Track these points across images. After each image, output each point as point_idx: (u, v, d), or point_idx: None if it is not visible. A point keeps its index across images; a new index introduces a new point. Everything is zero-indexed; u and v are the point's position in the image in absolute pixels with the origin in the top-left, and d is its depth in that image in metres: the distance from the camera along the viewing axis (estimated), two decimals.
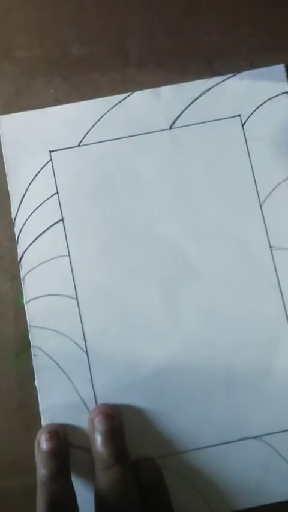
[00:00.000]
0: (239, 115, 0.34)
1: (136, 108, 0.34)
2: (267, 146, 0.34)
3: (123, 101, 0.34)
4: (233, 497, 0.31)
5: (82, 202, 0.34)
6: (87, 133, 0.34)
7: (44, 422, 0.31)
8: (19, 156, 0.34)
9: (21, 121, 0.34)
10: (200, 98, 0.34)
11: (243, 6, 0.35)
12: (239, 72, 0.34)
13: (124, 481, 0.29)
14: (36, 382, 0.32)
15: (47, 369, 0.32)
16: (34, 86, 0.35)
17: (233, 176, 0.34)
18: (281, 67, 0.34)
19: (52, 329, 0.32)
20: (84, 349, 0.32)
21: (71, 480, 0.30)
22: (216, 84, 0.34)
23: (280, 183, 0.33)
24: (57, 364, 0.32)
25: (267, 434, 0.31)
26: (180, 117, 0.34)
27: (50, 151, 0.34)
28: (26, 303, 0.33)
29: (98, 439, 0.30)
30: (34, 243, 0.33)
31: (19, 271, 0.33)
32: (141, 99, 0.34)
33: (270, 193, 0.33)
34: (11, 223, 0.33)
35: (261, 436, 0.31)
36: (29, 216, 0.33)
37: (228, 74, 0.34)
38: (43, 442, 0.30)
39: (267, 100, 0.34)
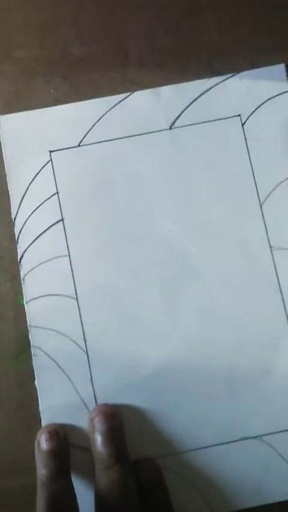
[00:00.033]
0: (239, 115, 0.34)
1: (136, 108, 0.34)
2: (267, 146, 0.34)
3: (123, 101, 0.34)
4: (233, 497, 0.31)
5: (82, 202, 0.34)
6: (87, 134, 0.34)
7: (44, 422, 0.31)
8: (19, 156, 0.34)
9: (21, 121, 0.34)
10: (200, 98, 0.34)
11: (243, 6, 0.35)
12: (239, 72, 0.34)
13: (124, 481, 0.28)
14: (36, 382, 0.32)
15: (47, 369, 0.32)
16: (34, 86, 0.35)
17: (233, 176, 0.34)
18: (281, 67, 0.34)
19: (52, 329, 0.32)
20: (84, 349, 0.32)
21: (71, 480, 0.30)
22: (216, 84, 0.34)
23: (280, 183, 0.33)
24: (57, 364, 0.32)
25: (267, 434, 0.31)
26: (180, 117, 0.34)
27: (50, 151, 0.34)
28: (26, 303, 0.33)
29: (98, 439, 0.30)
30: (34, 243, 0.33)
31: (19, 271, 0.33)
32: (141, 99, 0.34)
33: (270, 193, 0.33)
34: (11, 223, 0.33)
35: (261, 436, 0.31)
36: (29, 216, 0.33)
37: (228, 74, 0.34)
38: (43, 442, 0.30)
39: (268, 100, 0.34)
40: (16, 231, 0.33)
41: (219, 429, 0.31)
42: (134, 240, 0.33)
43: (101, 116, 0.34)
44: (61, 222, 0.33)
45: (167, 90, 0.34)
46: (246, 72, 0.34)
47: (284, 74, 0.34)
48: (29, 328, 0.32)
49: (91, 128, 0.34)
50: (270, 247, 0.33)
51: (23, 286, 0.33)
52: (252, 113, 0.34)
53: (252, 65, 0.35)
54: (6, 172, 0.34)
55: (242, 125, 0.34)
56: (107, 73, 0.35)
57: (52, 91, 0.35)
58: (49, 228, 0.33)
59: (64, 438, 0.30)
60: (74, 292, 0.33)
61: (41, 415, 0.31)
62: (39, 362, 0.32)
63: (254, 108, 0.34)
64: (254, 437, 0.31)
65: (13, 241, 0.33)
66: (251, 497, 0.31)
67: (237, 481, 0.31)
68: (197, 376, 0.32)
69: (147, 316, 0.32)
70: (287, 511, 0.31)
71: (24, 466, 0.32)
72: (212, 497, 0.31)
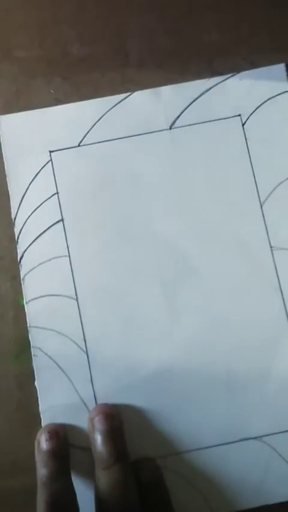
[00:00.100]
0: (239, 115, 0.34)
1: (136, 108, 0.34)
2: (267, 146, 0.34)
3: (123, 101, 0.34)
4: (234, 498, 0.31)
5: (82, 202, 0.33)
6: (87, 134, 0.34)
7: (44, 423, 0.31)
8: (19, 156, 0.34)
9: (21, 121, 0.34)
10: (200, 98, 0.34)
11: (243, 6, 0.35)
12: (239, 72, 0.34)
13: (124, 481, 0.28)
14: (36, 383, 0.32)
15: (47, 369, 0.32)
16: (34, 86, 0.35)
17: (233, 176, 0.34)
18: (281, 66, 0.34)
19: (52, 329, 0.32)
20: (84, 350, 0.32)
21: (71, 480, 0.30)
22: (216, 84, 0.34)
23: (281, 182, 0.33)
24: (57, 364, 0.32)
25: (268, 435, 0.31)
26: (180, 117, 0.34)
27: (50, 152, 0.34)
28: (26, 303, 0.33)
29: (98, 439, 0.30)
30: (34, 243, 0.33)
31: (19, 271, 0.33)
32: (141, 99, 0.34)
33: (270, 193, 0.33)
34: (11, 223, 0.33)
35: (261, 436, 0.31)
36: (29, 216, 0.33)
37: (228, 73, 0.34)
38: (43, 442, 0.30)
39: (268, 100, 0.34)
40: (16, 231, 0.33)
41: (219, 430, 0.31)
42: (134, 240, 0.33)
43: (101, 116, 0.34)
44: (61, 222, 0.33)
45: (167, 90, 0.34)
46: (246, 72, 0.34)
47: (284, 73, 0.34)
48: (29, 328, 0.32)
49: (91, 128, 0.34)
50: (271, 247, 0.33)
51: (23, 286, 0.33)
52: (252, 113, 0.34)
53: (252, 64, 0.35)
54: (6, 172, 0.34)
55: (243, 124, 0.34)
56: (107, 73, 0.35)
57: (52, 91, 0.35)
58: (49, 228, 0.33)
59: (64, 438, 0.30)
60: (74, 293, 0.33)
61: (41, 415, 0.31)
62: (39, 362, 0.32)
63: (254, 108, 0.34)
64: (254, 438, 0.31)
65: (13, 241, 0.33)
66: (252, 498, 0.31)
67: (238, 482, 0.31)
68: (197, 376, 0.32)
69: (147, 317, 0.32)
70: None
71: (24, 466, 0.31)
72: (212, 497, 0.31)
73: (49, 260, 0.33)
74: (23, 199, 0.33)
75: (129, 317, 0.32)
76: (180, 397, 0.32)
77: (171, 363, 0.32)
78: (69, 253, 0.33)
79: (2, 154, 0.34)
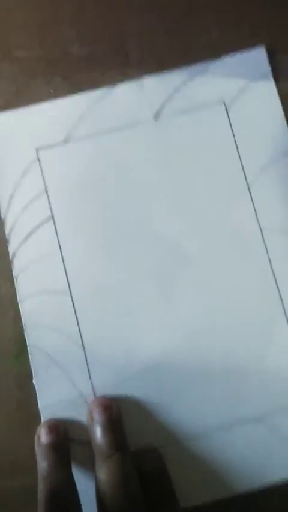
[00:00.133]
0: (223, 100, 0.34)
1: (120, 101, 0.34)
2: (252, 130, 0.34)
3: (107, 95, 0.34)
4: (236, 480, 0.31)
5: (72, 198, 0.33)
6: (72, 129, 0.34)
7: (43, 420, 0.31)
8: (5, 156, 0.34)
9: (6, 120, 0.34)
10: (183, 87, 0.34)
11: (243, 6, 0.35)
12: (220, 57, 0.34)
13: (124, 471, 0.28)
14: (34, 380, 0.32)
15: (45, 367, 0.32)
16: (34, 85, 0.35)
17: (220, 162, 0.34)
18: (261, 49, 0.34)
19: (48, 327, 0.32)
20: (81, 345, 0.32)
21: (71, 472, 0.30)
22: (198, 72, 0.34)
23: (267, 165, 0.33)
24: (54, 361, 0.32)
25: (267, 416, 0.31)
26: (164, 107, 0.34)
27: (37, 149, 0.34)
28: (20, 302, 0.33)
29: (97, 431, 0.30)
30: (25, 242, 0.33)
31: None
32: (124, 92, 0.34)
33: (258, 176, 0.33)
34: None
35: (260, 418, 0.31)
36: (18, 216, 0.33)
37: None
38: (43, 436, 0.30)
39: (251, 83, 0.34)
40: (7, 230, 0.33)
41: (218, 415, 0.32)
42: (125, 233, 0.33)
43: (84, 111, 0.34)
44: (51, 219, 0.33)
45: (149, 81, 0.34)
46: (228, 57, 0.34)
47: (265, 56, 0.34)
48: (24, 326, 0.32)
49: (76, 124, 0.34)
50: (261, 229, 0.33)
51: (16, 285, 0.33)
52: (235, 98, 0.34)
53: None
54: None
55: (227, 110, 0.34)
56: (107, 73, 0.35)
57: (52, 91, 0.35)
58: (40, 226, 0.33)
59: (64, 432, 0.31)
60: (68, 289, 0.33)
61: (41, 412, 0.31)
62: (36, 360, 0.32)
63: (237, 93, 0.34)
64: (254, 420, 0.31)
65: None
66: (254, 479, 0.31)
67: (239, 465, 0.31)
68: (195, 364, 0.32)
69: (143, 308, 0.32)
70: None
71: (24, 466, 0.31)
72: (214, 482, 0.31)
73: (41, 258, 0.33)
74: (12, 199, 0.33)
75: (125, 310, 0.32)
76: (178, 385, 0.32)
77: (169, 352, 0.32)
78: (61, 250, 0.33)
79: None
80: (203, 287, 0.33)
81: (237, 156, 0.34)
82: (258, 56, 0.34)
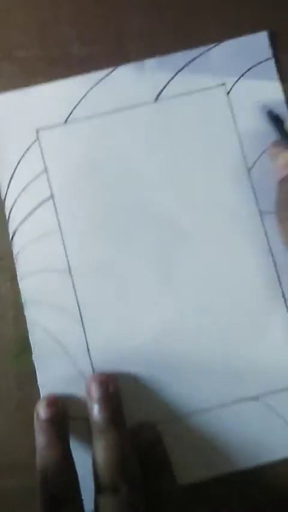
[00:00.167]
0: (224, 84, 0.34)
1: (121, 83, 0.34)
2: (252, 113, 0.34)
3: (108, 76, 0.34)
4: (234, 457, 0.31)
5: (71, 178, 0.34)
6: (73, 110, 0.34)
7: (42, 396, 0.32)
8: (6, 137, 0.34)
9: (6, 101, 0.34)
10: (184, 69, 0.34)
11: (243, 6, 0.35)
12: (222, 41, 0.34)
13: (121, 445, 0.29)
14: (33, 357, 0.32)
15: (44, 344, 0.32)
16: (34, 85, 0.35)
17: (220, 144, 0.34)
18: (264, 34, 0.35)
19: (47, 304, 0.32)
20: (81, 322, 0.32)
21: (69, 446, 0.30)
22: (200, 55, 0.34)
23: (266, 148, 0.34)
24: (54, 338, 0.32)
25: (264, 394, 0.32)
26: (165, 89, 0.34)
27: (37, 130, 0.34)
28: (20, 279, 0.33)
29: (94, 407, 0.30)
30: (25, 221, 0.33)
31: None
32: (125, 73, 0.34)
33: (257, 159, 0.34)
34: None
35: (258, 396, 0.32)
36: (18, 195, 0.33)
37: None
38: (41, 411, 0.30)
39: (252, 67, 0.34)
40: (6, 210, 0.33)
41: (216, 392, 0.32)
42: (124, 212, 0.33)
43: (86, 92, 0.34)
44: (51, 199, 0.33)
45: (151, 63, 0.34)
46: (230, 41, 0.35)
47: (267, 41, 0.35)
48: (23, 303, 0.32)
49: (77, 105, 0.34)
50: (260, 212, 0.33)
51: (16, 264, 0.33)
52: (236, 81, 0.34)
53: None
54: None
55: (227, 93, 0.34)
56: None
57: None
58: (39, 205, 0.33)
59: (62, 407, 0.31)
60: (67, 267, 0.33)
61: (40, 389, 0.32)
62: (35, 337, 0.32)
63: (238, 77, 0.34)
64: (252, 398, 0.32)
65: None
66: (251, 457, 0.31)
67: (237, 442, 0.31)
68: (193, 340, 0.32)
69: (142, 286, 0.33)
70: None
71: (24, 466, 0.32)
72: (212, 458, 0.31)
73: (41, 237, 0.33)
74: (12, 179, 0.33)
75: (124, 288, 0.33)
76: (177, 361, 0.32)
77: (167, 328, 0.32)
78: (60, 229, 0.33)
79: None
80: (201, 266, 0.33)
81: (238, 138, 0.34)
82: (261, 39, 0.34)
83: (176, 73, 0.34)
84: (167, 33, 0.35)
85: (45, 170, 0.33)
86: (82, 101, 0.34)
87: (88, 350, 0.32)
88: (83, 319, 0.32)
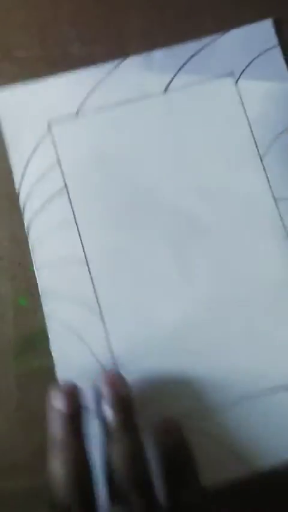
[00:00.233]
0: (232, 72, 0.34)
1: (130, 74, 0.34)
2: (262, 100, 0.34)
3: (117, 68, 0.34)
4: (267, 452, 0.31)
5: (84, 169, 0.34)
6: (84, 102, 0.34)
7: None
8: (18, 130, 0.34)
9: (17, 95, 0.34)
10: (192, 60, 0.34)
11: (243, 6, 0.35)
12: (228, 30, 0.35)
13: (133, 450, 0.28)
14: (51, 349, 0.32)
15: (62, 334, 0.32)
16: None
17: (231, 133, 0.34)
18: (268, 21, 0.35)
19: (65, 296, 0.32)
20: (99, 313, 0.32)
21: (86, 444, 0.29)
22: (206, 45, 0.34)
23: (278, 134, 0.34)
24: (72, 329, 0.32)
25: None
26: (174, 80, 0.34)
27: (49, 122, 0.34)
28: (36, 270, 0.33)
29: (106, 409, 0.29)
30: (40, 212, 0.33)
31: (19, 271, 0.33)
32: (134, 65, 0.34)
33: (269, 146, 0.34)
34: (10, 224, 0.33)
35: (286, 385, 0.31)
36: (32, 187, 0.33)
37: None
38: (59, 402, 0.29)
39: (259, 55, 0.34)
40: (21, 203, 0.33)
41: (243, 383, 0.31)
42: (139, 202, 0.33)
43: (96, 83, 0.34)
44: (65, 189, 0.33)
45: (159, 54, 0.34)
46: (235, 30, 0.35)
47: (272, 28, 0.35)
48: (40, 295, 0.32)
49: (87, 96, 0.34)
50: (274, 198, 0.33)
51: (32, 255, 0.33)
52: (244, 70, 0.34)
53: None
54: (7, 146, 0.34)
55: (236, 82, 0.34)
56: None
57: None
58: (54, 196, 0.33)
59: (79, 399, 0.30)
60: (84, 257, 0.33)
61: (59, 380, 0.31)
62: (53, 329, 0.32)
63: (246, 65, 0.34)
64: (281, 388, 0.31)
65: (13, 242, 0.33)
66: (284, 451, 0.31)
67: (269, 435, 0.31)
68: (215, 331, 0.32)
69: (159, 275, 0.33)
70: None
71: (23, 466, 0.31)
72: (244, 453, 0.31)
73: (56, 228, 0.33)
74: (26, 171, 0.33)
75: (141, 277, 0.33)
76: (200, 353, 0.32)
77: (187, 320, 0.32)
78: (75, 219, 0.33)
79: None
80: (219, 255, 0.33)
81: (248, 126, 0.34)
82: (266, 27, 0.35)
83: (184, 64, 0.34)
84: (167, 33, 0.35)
85: (58, 162, 0.34)
86: (93, 93, 0.34)
87: (107, 341, 0.32)
88: (101, 309, 0.32)
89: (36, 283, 0.33)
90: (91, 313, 0.32)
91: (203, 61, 0.34)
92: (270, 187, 0.33)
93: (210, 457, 0.30)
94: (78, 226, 0.33)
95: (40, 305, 0.33)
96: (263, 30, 0.35)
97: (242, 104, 0.34)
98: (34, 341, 0.33)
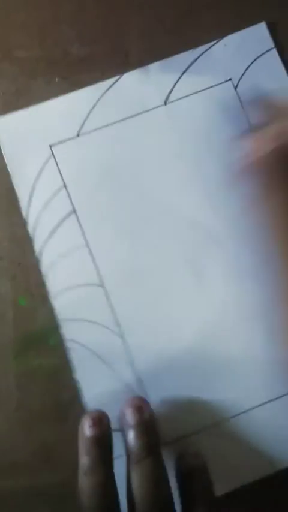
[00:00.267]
0: (230, 79, 0.34)
1: (128, 89, 0.34)
2: (263, 104, 0.34)
3: (115, 85, 0.34)
4: (275, 458, 0.31)
5: (91, 190, 0.33)
6: (84, 122, 0.34)
7: None
8: (20, 156, 0.34)
9: (17, 120, 0.34)
10: (189, 69, 0.34)
11: (244, 6, 0.35)
12: (222, 37, 0.35)
13: (156, 476, 0.28)
14: (76, 375, 0.32)
15: (85, 360, 0.32)
16: (34, 86, 0.35)
17: (234, 139, 0.34)
18: (262, 25, 0.35)
19: (83, 319, 0.32)
20: (119, 334, 0.32)
21: (112, 469, 0.29)
22: (202, 53, 0.34)
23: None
24: (94, 353, 0.32)
25: None
26: (173, 91, 0.34)
27: (51, 146, 0.34)
28: (53, 298, 0.33)
29: (130, 433, 0.29)
30: (51, 238, 0.33)
31: (19, 271, 0.33)
32: (131, 80, 0.34)
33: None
34: (10, 224, 0.33)
35: None
36: (40, 213, 0.33)
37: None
38: (86, 429, 0.29)
39: (256, 59, 0.34)
40: (30, 229, 0.33)
41: (262, 389, 0.32)
42: (149, 218, 0.33)
43: (95, 103, 0.34)
44: (73, 213, 0.33)
45: (155, 67, 0.34)
46: (230, 36, 0.35)
47: (267, 31, 0.35)
48: (60, 322, 0.32)
49: (87, 116, 0.34)
50: None
51: (46, 282, 0.33)
52: (242, 75, 0.34)
53: None
54: (10, 173, 0.34)
55: (235, 88, 0.34)
56: (107, 73, 0.35)
57: (52, 91, 0.35)
58: (63, 221, 0.33)
59: (108, 426, 0.30)
60: (99, 279, 0.33)
61: (86, 406, 0.31)
62: (76, 354, 0.32)
63: (244, 70, 0.34)
64: None
65: (13, 242, 0.33)
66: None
67: (280, 440, 0.31)
68: (235, 340, 0.32)
69: (176, 291, 0.33)
70: None
71: (23, 466, 0.31)
72: (255, 461, 0.31)
73: (68, 252, 0.33)
74: (32, 197, 0.33)
75: (159, 294, 0.33)
76: (220, 364, 0.32)
77: (207, 332, 0.32)
78: (87, 242, 0.33)
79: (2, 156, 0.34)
80: (233, 264, 0.33)
81: (251, 131, 0.34)
82: (260, 31, 0.35)
83: (182, 74, 0.34)
84: (166, 33, 0.35)
85: (64, 185, 0.33)
86: (92, 112, 0.34)
87: (130, 361, 0.32)
88: (122, 331, 0.32)
89: (36, 283, 0.33)
90: (111, 334, 0.32)
91: (200, 70, 0.34)
92: None
93: (230, 462, 0.31)
94: (91, 249, 0.33)
95: (40, 305, 0.33)
96: (258, 34, 0.35)
97: (243, 109, 0.34)
98: (34, 341, 0.33)
